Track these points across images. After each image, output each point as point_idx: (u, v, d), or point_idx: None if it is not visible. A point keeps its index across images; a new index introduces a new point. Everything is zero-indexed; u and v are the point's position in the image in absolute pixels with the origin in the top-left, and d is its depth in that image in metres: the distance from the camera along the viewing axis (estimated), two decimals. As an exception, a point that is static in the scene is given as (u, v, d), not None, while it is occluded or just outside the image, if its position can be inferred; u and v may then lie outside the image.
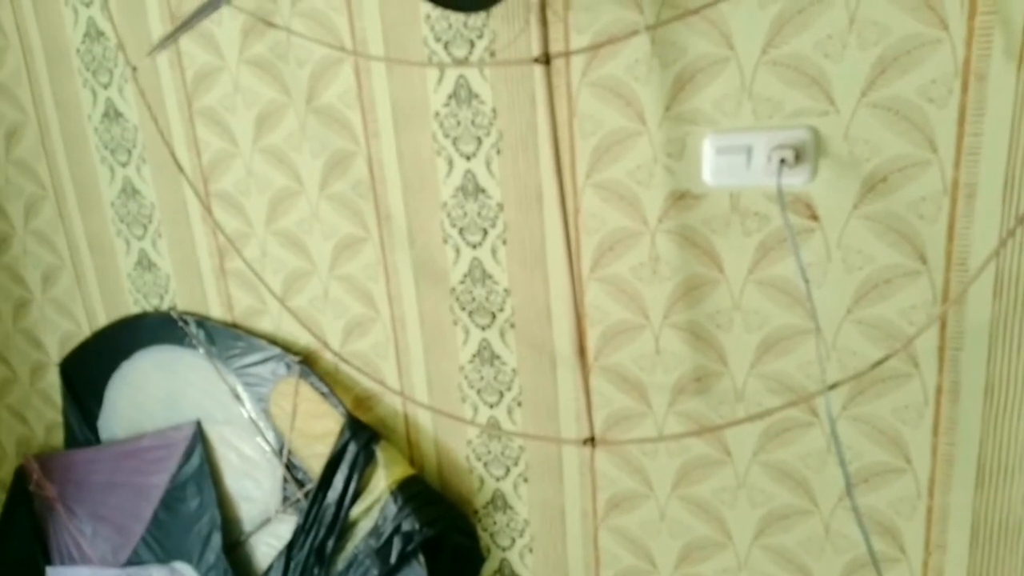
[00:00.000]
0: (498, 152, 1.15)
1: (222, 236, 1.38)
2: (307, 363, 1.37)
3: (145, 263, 1.49)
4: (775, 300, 1.04)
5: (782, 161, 0.96)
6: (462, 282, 1.24)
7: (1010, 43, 0.86)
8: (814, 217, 0.99)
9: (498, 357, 1.25)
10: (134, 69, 1.33)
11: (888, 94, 0.91)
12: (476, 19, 1.09)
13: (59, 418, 1.68)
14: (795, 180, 0.98)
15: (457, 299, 1.25)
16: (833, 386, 1.01)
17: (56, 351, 1.65)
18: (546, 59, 0.99)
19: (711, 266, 1.07)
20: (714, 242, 1.05)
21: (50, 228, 1.56)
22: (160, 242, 1.46)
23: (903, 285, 0.97)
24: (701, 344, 1.11)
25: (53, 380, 1.67)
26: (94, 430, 1.61)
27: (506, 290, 1.21)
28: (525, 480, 1.31)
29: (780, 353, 1.06)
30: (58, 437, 1.70)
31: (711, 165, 1.02)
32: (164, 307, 1.50)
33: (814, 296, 1.01)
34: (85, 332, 1.60)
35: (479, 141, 1.15)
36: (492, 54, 1.10)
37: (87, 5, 1.37)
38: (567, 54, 1.05)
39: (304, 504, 1.39)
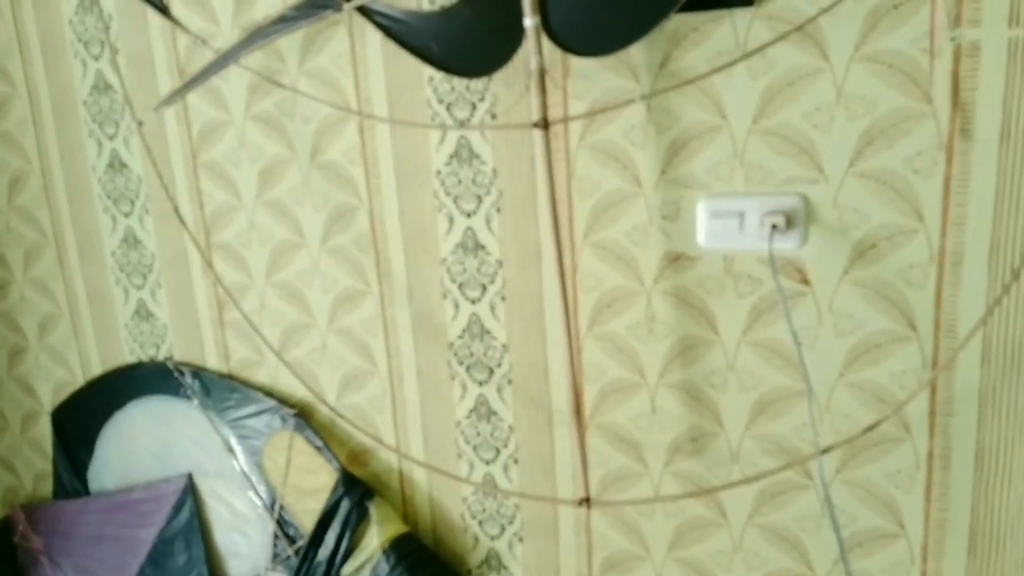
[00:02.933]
0: (498, 210, 1.22)
1: (221, 288, 1.45)
2: (303, 416, 1.43)
3: (143, 313, 1.56)
4: (769, 362, 1.11)
5: (774, 226, 1.03)
6: (460, 337, 1.30)
7: (992, 117, 0.93)
8: (805, 281, 1.06)
9: (495, 413, 1.31)
10: (140, 123, 1.41)
11: (875, 164, 0.99)
12: (478, 83, 1.17)
13: (48, 468, 1.73)
14: (787, 245, 1.05)
15: (455, 354, 1.31)
16: (826, 450, 1.07)
17: (49, 400, 1.71)
18: (545, 124, 1.07)
19: (706, 327, 1.13)
20: (709, 303, 1.12)
21: (49, 276, 1.63)
22: (159, 292, 1.53)
23: (893, 350, 1.04)
24: (697, 404, 1.16)
25: (44, 429, 1.73)
26: (83, 481, 1.66)
27: (504, 346, 1.27)
28: (520, 540, 1.35)
29: (774, 415, 1.12)
30: (46, 487, 1.75)
31: (705, 228, 1.09)
32: (160, 357, 1.57)
33: (806, 359, 1.06)
34: (79, 381, 1.66)
35: (479, 199, 1.23)
36: (493, 116, 1.18)
37: (96, 59, 1.46)
38: (565, 120, 1.13)
39: (294, 561, 1.43)
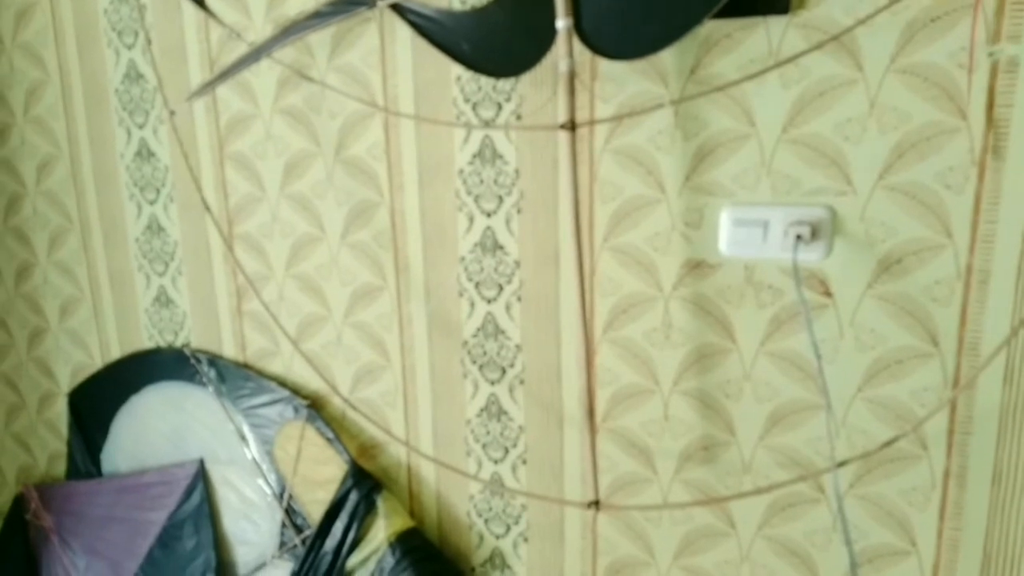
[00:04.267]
0: (518, 211, 1.16)
1: (241, 277, 1.39)
2: (315, 407, 1.37)
3: (163, 299, 1.50)
4: (786, 373, 1.04)
5: (798, 237, 0.97)
6: (475, 336, 1.24)
7: (1025, 136, 0.87)
8: (828, 294, 0.99)
9: (506, 413, 1.24)
10: (172, 113, 1.36)
11: (905, 178, 0.93)
12: (505, 83, 1.12)
13: (63, 448, 1.67)
14: (810, 256, 0.99)
15: (469, 352, 1.25)
16: (842, 464, 1.00)
17: (66, 382, 1.65)
18: (572, 126, 1.02)
19: (724, 335, 1.07)
20: (727, 312, 1.06)
21: (73, 260, 1.57)
22: (180, 280, 1.47)
23: (915, 367, 0.97)
24: (710, 413, 1.10)
25: (60, 410, 1.66)
26: (97, 463, 1.60)
27: (518, 346, 1.21)
28: (525, 540, 1.28)
29: (789, 427, 1.06)
30: (60, 467, 1.69)
31: (728, 236, 1.03)
32: (178, 344, 1.51)
33: (825, 372, 1.00)
34: (97, 364, 1.60)
35: (500, 199, 1.17)
36: (518, 117, 1.12)
37: (129, 48, 1.40)
38: (592, 122, 1.07)
39: (301, 551, 1.37)
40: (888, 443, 0.97)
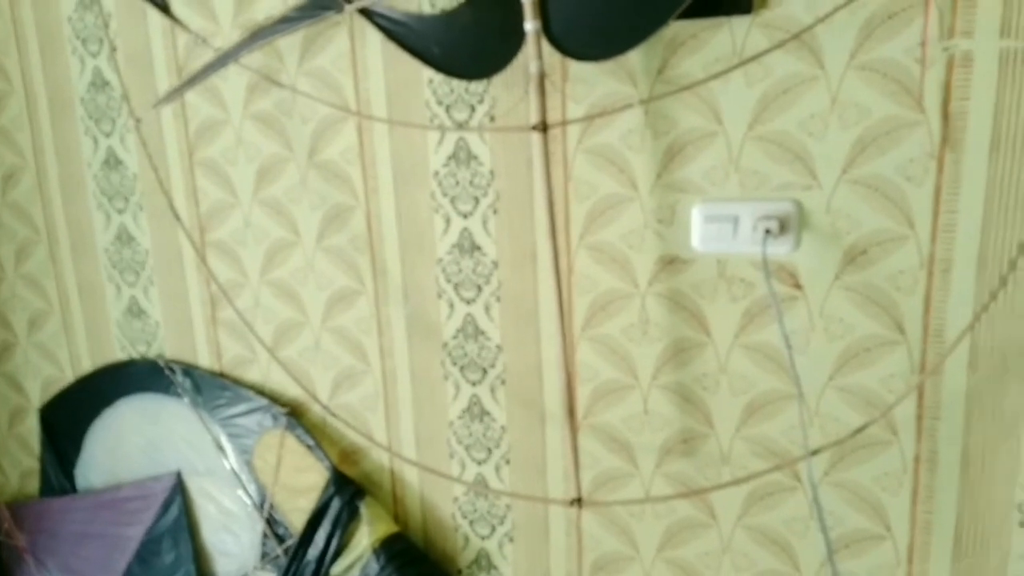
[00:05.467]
0: (495, 212, 1.21)
1: (215, 285, 1.43)
2: (294, 415, 1.41)
3: (135, 310, 1.53)
4: (760, 365, 1.11)
5: (767, 231, 1.03)
6: (455, 337, 1.29)
7: (983, 127, 0.94)
8: (797, 286, 1.06)
9: (488, 413, 1.30)
10: (138, 121, 1.40)
11: (868, 171, 1.00)
12: (477, 85, 1.17)
13: (35, 465, 1.70)
14: (779, 249, 1.05)
15: (449, 354, 1.30)
16: (815, 452, 1.07)
17: (37, 396, 1.68)
18: (543, 127, 1.07)
19: (699, 329, 1.13)
20: (702, 306, 1.12)
21: (41, 272, 1.60)
22: (152, 289, 1.50)
23: (882, 354, 1.04)
24: (688, 406, 1.16)
25: (32, 426, 1.69)
26: (71, 478, 1.63)
27: (498, 346, 1.26)
28: (511, 540, 1.34)
29: (765, 417, 1.12)
30: (33, 484, 1.71)
31: (700, 232, 1.09)
32: (151, 355, 1.54)
33: (797, 362, 1.07)
34: (68, 378, 1.63)
35: (476, 201, 1.22)
36: (492, 119, 1.18)
37: (94, 56, 1.44)
38: (564, 123, 1.12)
39: (283, 561, 1.41)
40: (859, 430, 1.04)
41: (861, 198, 1.01)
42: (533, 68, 1.05)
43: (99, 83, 1.45)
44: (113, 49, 1.41)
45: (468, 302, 1.26)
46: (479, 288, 1.25)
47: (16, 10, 1.48)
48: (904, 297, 1.01)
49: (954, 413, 1.02)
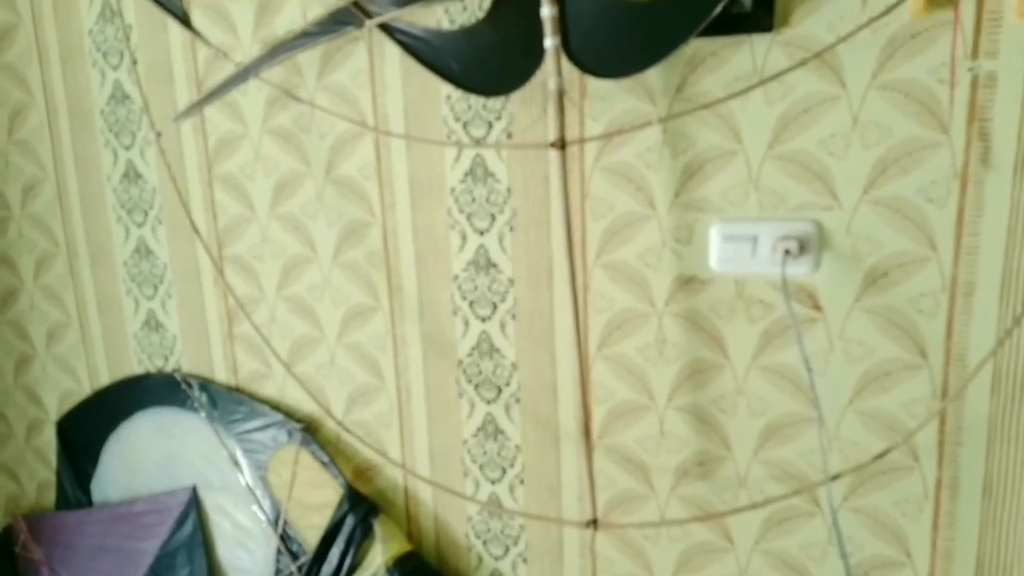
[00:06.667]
0: (511, 229, 1.24)
1: (232, 299, 1.47)
2: (309, 431, 1.44)
3: (152, 324, 1.57)
4: (778, 387, 1.12)
5: (786, 252, 1.05)
6: (470, 355, 1.31)
7: (1007, 148, 0.95)
8: (817, 307, 1.07)
9: (502, 432, 1.32)
10: (159, 134, 1.44)
11: (889, 192, 1.01)
12: (495, 102, 1.20)
13: (52, 477, 1.74)
14: (799, 270, 1.06)
15: (464, 372, 1.32)
16: (835, 477, 1.07)
17: (55, 409, 1.72)
18: (562, 144, 1.09)
19: (716, 350, 1.14)
20: (719, 327, 1.13)
21: (59, 284, 1.65)
22: (170, 303, 1.55)
23: (903, 378, 1.05)
24: (705, 428, 1.17)
25: (49, 438, 1.74)
26: (87, 491, 1.67)
27: (513, 364, 1.28)
28: (524, 560, 1.35)
29: (783, 440, 1.13)
30: (49, 497, 1.76)
31: (718, 252, 1.10)
32: (168, 368, 1.58)
33: (817, 385, 1.08)
34: (86, 391, 1.68)
35: (493, 218, 1.25)
36: (509, 135, 1.20)
37: (115, 68, 1.49)
38: (582, 141, 1.15)
39: (297, 577, 1.44)
40: (880, 455, 1.04)
41: (882, 219, 1.02)
42: (552, 85, 1.08)
43: (119, 96, 1.50)
44: (134, 62, 1.45)
45: (483, 319, 1.29)
46: (495, 305, 1.28)
47: (38, 23, 1.53)
48: (926, 320, 1.02)
49: (976, 438, 1.03)
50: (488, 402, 1.32)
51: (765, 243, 1.07)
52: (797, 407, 1.11)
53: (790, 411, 1.12)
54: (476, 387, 1.32)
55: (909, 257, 1.02)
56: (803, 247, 1.05)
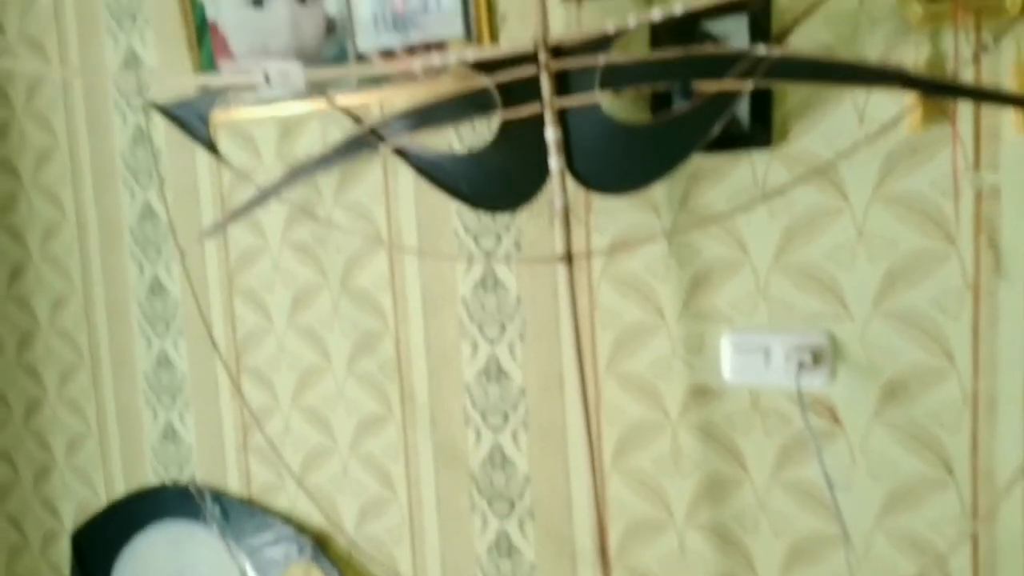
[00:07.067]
0: (521, 338, 1.24)
1: (248, 412, 1.48)
2: (320, 544, 1.42)
3: (170, 434, 1.59)
4: (801, 504, 1.08)
5: (800, 363, 1.03)
6: (482, 466, 1.30)
7: (1018, 259, 0.94)
8: (835, 420, 1.05)
9: (517, 550, 1.28)
10: (183, 253, 1.49)
11: (900, 304, 1.00)
12: (504, 216, 1.22)
13: (65, 591, 1.73)
14: (814, 382, 1.04)
15: (476, 484, 1.30)
16: (864, 601, 1.02)
17: (71, 519, 1.72)
18: (569, 258, 1.11)
19: (734, 464, 1.11)
20: (736, 439, 1.11)
21: (82, 396, 1.68)
22: (187, 413, 1.56)
23: (931, 496, 1.01)
24: (727, 547, 1.13)
25: (64, 550, 1.73)
26: (98, 607, 1.65)
27: (526, 477, 1.26)
28: None
29: (811, 562, 1.08)
30: (61, 612, 1.74)
31: (730, 363, 1.09)
32: (183, 478, 1.58)
33: (841, 503, 1.04)
34: (102, 500, 1.68)
35: (503, 327, 1.25)
36: (518, 247, 1.22)
37: (144, 188, 1.55)
38: (588, 255, 1.16)
39: None
40: (911, 579, 1.00)
41: (895, 331, 1.00)
42: (557, 203, 1.10)
43: (147, 214, 1.56)
44: (162, 182, 1.52)
45: (495, 430, 1.28)
46: (506, 415, 1.27)
47: (73, 145, 1.62)
48: (949, 435, 0.99)
49: (1012, 562, 0.97)
50: (501, 517, 1.29)
51: (778, 354, 1.06)
52: (821, 525, 1.07)
53: (816, 530, 1.07)
54: (489, 501, 1.30)
55: (926, 369, 0.99)
56: (817, 358, 1.04)
